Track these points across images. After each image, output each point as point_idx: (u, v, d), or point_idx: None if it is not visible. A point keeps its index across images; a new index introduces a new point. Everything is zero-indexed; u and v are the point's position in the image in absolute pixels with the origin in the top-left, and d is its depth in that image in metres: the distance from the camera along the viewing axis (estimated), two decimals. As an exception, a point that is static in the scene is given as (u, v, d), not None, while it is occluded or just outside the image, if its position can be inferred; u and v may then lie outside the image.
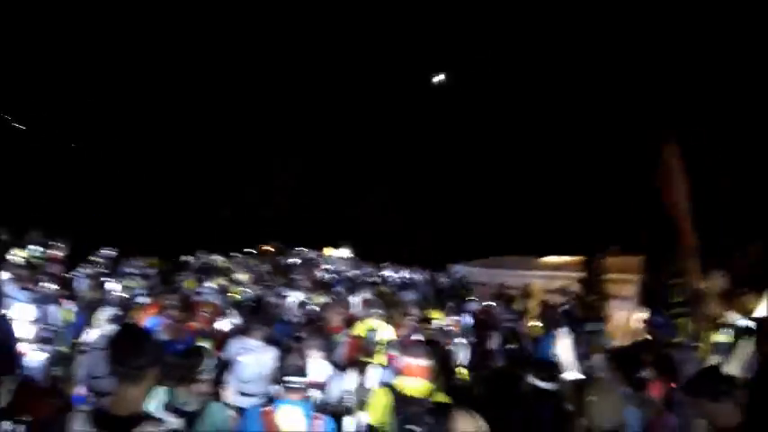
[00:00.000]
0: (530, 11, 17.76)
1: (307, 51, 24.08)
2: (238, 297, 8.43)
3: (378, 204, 25.73)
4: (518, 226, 19.13)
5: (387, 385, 3.85)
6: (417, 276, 17.26)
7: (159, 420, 2.17)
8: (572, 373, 4.47)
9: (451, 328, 6.96)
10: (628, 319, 9.16)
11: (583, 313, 8.28)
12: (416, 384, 3.67)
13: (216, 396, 4.29)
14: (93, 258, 9.60)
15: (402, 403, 3.62)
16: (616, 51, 13.46)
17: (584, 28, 15.22)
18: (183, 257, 13.08)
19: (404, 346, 4.12)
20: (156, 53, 21.27)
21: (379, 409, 3.73)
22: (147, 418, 2.11)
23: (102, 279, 7.70)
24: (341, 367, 5.06)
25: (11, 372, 2.47)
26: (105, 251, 9.93)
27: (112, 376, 2.15)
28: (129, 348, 2.17)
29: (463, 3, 20.07)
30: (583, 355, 5.09)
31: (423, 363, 3.73)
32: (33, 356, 5.37)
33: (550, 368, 4.01)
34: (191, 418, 3.40)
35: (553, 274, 12.11)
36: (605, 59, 14.10)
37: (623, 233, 10.17)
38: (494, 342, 6.48)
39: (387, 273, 17.76)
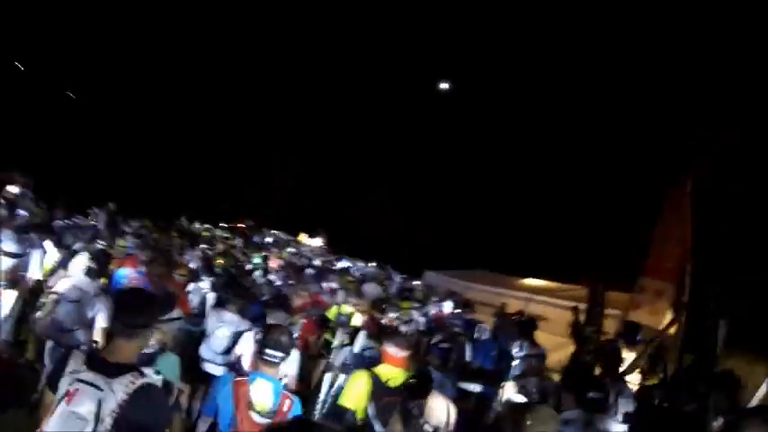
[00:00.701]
0: (540, 18, 18.09)
1: (307, 52, 24.31)
2: (220, 265, 8.91)
3: (378, 204, 26.14)
4: (502, 242, 19.54)
5: (366, 371, 3.99)
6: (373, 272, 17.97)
7: (142, 373, 2.50)
8: (514, 395, 4.70)
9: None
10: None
11: (577, 346, 8.61)
12: (395, 373, 3.90)
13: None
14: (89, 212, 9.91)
15: (380, 391, 3.78)
16: (630, 74, 13.84)
17: (598, 43, 15.61)
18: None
19: (386, 334, 4.29)
20: (158, 54, 21.42)
21: (358, 393, 3.85)
22: (134, 368, 2.45)
23: (89, 231, 7.91)
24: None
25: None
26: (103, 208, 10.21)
27: (114, 329, 2.50)
28: (130, 307, 2.51)
29: (468, 8, 20.37)
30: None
31: (403, 352, 3.99)
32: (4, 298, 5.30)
33: (481, 374, 4.24)
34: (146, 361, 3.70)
35: (530, 297, 12.37)
36: (615, 82, 14.51)
37: (611, 266, 10.52)
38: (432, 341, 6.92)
39: (344, 263, 18.56)
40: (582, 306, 9.50)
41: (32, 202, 7.51)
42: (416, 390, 3.66)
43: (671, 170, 9.39)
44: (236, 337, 5.23)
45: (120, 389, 2.31)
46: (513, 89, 20.04)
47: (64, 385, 2.35)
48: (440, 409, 3.31)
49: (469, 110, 22.50)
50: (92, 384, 2.31)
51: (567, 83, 17.51)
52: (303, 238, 25.61)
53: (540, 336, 9.64)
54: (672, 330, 7.98)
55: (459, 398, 4.13)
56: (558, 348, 9.33)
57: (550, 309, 11.33)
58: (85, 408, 2.26)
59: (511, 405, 4.06)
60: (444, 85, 22.57)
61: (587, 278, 9.56)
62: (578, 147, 17.14)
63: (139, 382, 2.37)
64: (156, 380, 3.52)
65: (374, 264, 19.80)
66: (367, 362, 4.79)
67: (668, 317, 8.55)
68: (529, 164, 20.10)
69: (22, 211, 6.92)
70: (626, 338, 8.41)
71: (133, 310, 2.47)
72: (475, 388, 3.96)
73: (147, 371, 3.49)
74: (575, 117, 17.19)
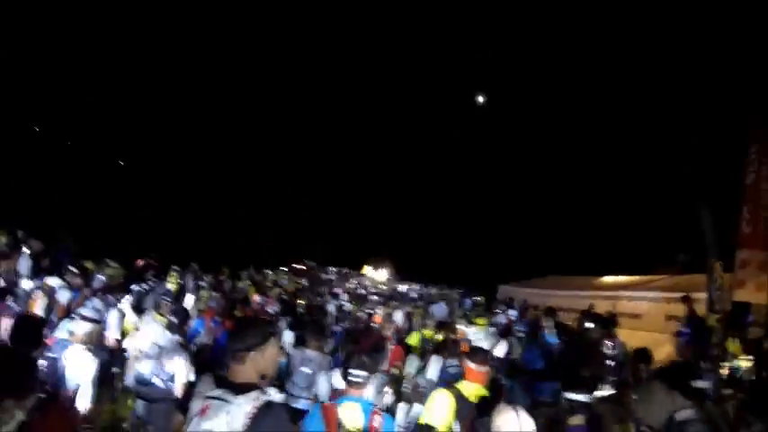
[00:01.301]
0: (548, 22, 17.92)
1: (308, 53, 25.03)
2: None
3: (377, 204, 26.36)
4: (569, 245, 19.21)
5: (448, 388, 4.03)
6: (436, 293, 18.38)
7: (264, 391, 2.65)
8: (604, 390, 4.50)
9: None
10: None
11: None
12: (477, 388, 3.96)
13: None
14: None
15: (465, 407, 3.83)
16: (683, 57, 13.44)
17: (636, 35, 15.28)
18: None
19: (468, 352, 4.34)
20: (160, 61, 22.45)
21: (442, 410, 3.86)
22: (257, 387, 2.61)
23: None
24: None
25: (24, 393, 2.68)
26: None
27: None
28: (233, 335, 2.77)
29: (468, 8, 20.44)
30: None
31: (485, 368, 4.05)
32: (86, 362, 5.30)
33: (584, 380, 4.05)
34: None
35: (616, 294, 11.93)
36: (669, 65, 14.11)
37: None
38: (500, 350, 6.88)
39: (405, 288, 18.98)
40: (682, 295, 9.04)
41: (108, 266, 7.90)
42: (483, 408, 3.69)
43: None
44: (320, 372, 5.50)
45: (248, 403, 2.47)
46: (533, 82, 19.85)
47: (196, 405, 2.62)
48: (509, 421, 3.17)
49: (502, 112, 22.42)
50: (221, 399, 2.51)
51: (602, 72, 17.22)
52: (367, 270, 26.05)
53: (633, 335, 9.28)
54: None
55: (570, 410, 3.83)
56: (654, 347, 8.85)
57: (640, 304, 10.88)
58: (217, 420, 2.45)
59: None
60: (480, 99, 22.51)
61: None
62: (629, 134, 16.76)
63: (264, 398, 2.52)
64: (279, 398, 3.64)
65: (432, 285, 20.22)
66: (449, 379, 4.84)
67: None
68: (578, 161, 19.77)
69: (99, 276, 7.29)
70: (736, 321, 7.88)
71: (234, 337, 2.70)
72: (580, 397, 3.70)
73: (271, 390, 3.64)
74: (627, 104, 16.80)
